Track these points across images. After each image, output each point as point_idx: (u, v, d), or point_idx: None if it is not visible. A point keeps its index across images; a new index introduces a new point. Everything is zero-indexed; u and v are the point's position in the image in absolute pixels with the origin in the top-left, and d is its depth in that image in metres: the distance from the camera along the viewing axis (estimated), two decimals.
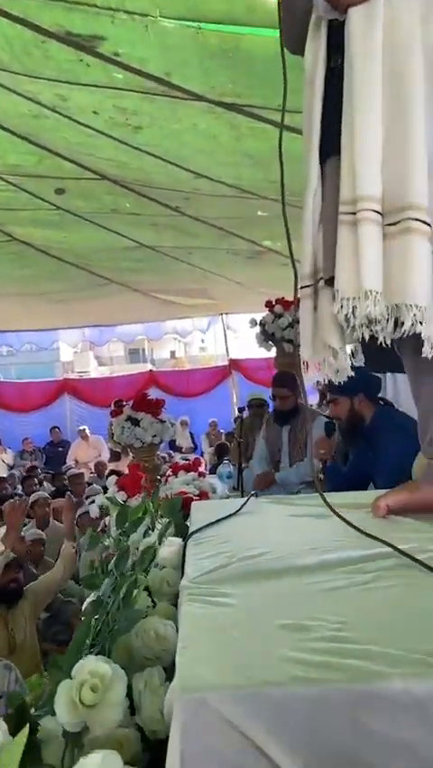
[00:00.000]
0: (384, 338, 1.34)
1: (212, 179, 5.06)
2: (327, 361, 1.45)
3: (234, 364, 11.35)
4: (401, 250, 1.26)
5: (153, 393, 10.03)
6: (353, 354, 1.52)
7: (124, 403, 5.41)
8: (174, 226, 6.37)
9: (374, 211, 1.29)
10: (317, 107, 1.43)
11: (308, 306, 1.47)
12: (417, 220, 1.25)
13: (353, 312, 1.31)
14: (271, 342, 6.01)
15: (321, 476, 3.67)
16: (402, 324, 1.26)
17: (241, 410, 5.82)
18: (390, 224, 1.28)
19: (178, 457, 7.53)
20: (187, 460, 5.73)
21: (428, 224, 1.26)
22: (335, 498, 1.56)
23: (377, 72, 1.30)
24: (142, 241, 6.83)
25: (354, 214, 1.30)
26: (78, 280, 8.08)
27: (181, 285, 8.86)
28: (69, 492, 5.89)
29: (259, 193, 5.24)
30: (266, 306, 6.05)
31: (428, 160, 1.27)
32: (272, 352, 6.14)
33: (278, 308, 5.88)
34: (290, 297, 5.38)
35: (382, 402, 3.31)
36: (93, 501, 4.21)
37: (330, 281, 1.37)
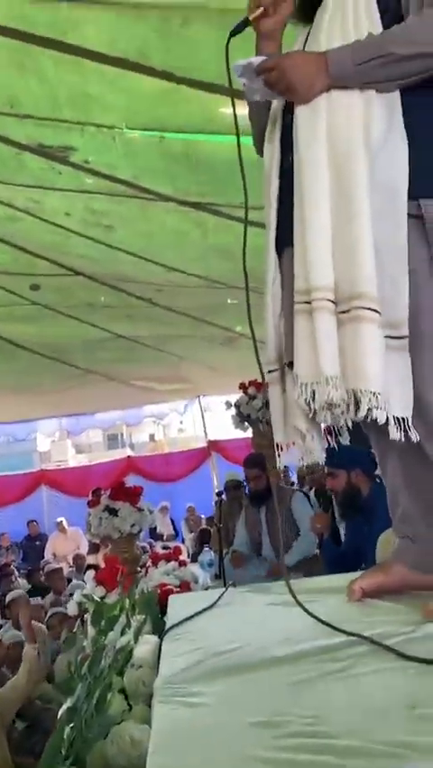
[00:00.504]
0: (345, 421, 1.37)
1: (183, 272, 5.27)
2: (297, 443, 1.48)
3: (213, 445, 11.35)
4: (354, 337, 1.32)
5: (132, 480, 9.96)
6: (339, 433, 1.51)
7: (103, 492, 5.36)
8: (149, 316, 6.55)
9: (328, 300, 1.34)
10: (274, 202, 1.51)
11: (276, 390, 1.52)
12: (366, 308, 1.31)
13: (312, 397, 1.35)
14: (246, 424, 6.08)
15: (318, 551, 3.67)
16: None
17: (219, 494, 5.79)
18: (342, 312, 1.33)
19: (158, 546, 7.37)
20: (167, 548, 5.63)
21: (377, 311, 1.32)
22: (316, 582, 1.57)
23: (323, 171, 1.37)
24: (117, 332, 6.99)
25: (309, 303, 1.35)
26: (54, 372, 8.17)
27: (157, 372, 8.99)
28: (22, 592, 5.69)
29: (228, 282, 5.46)
30: (240, 387, 6.17)
31: (376, 249, 1.34)
32: (249, 432, 6.21)
33: (251, 390, 6.01)
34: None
35: (378, 480, 3.35)
36: (71, 596, 4.09)
37: (292, 365, 1.42)
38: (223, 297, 5.87)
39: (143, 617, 1.69)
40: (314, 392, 1.34)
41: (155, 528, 10.10)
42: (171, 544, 7.62)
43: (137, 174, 3.73)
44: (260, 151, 1.61)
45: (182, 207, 4.10)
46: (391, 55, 1.32)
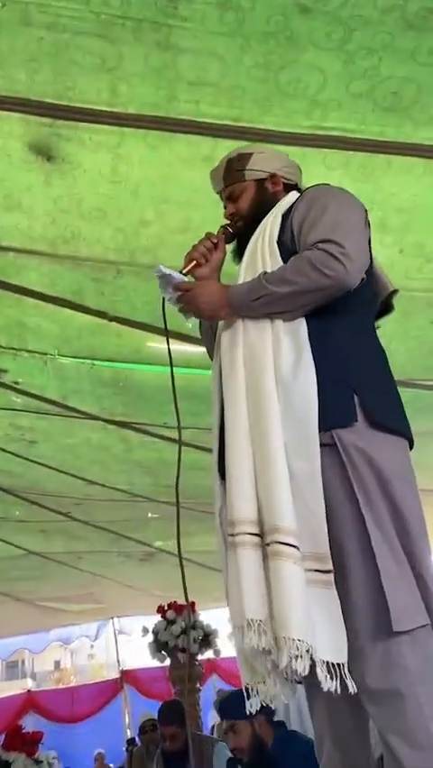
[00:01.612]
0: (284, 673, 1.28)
1: (104, 486, 5.29)
2: (259, 687, 1.40)
3: (127, 676, 10.39)
4: (275, 577, 1.29)
5: (30, 720, 8.80)
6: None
7: None
8: (64, 531, 6.38)
9: (251, 534, 1.34)
10: (216, 431, 1.56)
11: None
12: (283, 543, 1.30)
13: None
14: (164, 653, 5.72)
15: None
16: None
17: (131, 742, 5.20)
18: (267, 544, 1.32)
19: None
20: None
21: (296, 547, 1.29)
22: None
23: (242, 406, 1.45)
24: (29, 548, 6.71)
25: (234, 536, 1.36)
26: None
27: (69, 590, 8.49)
28: None
29: (150, 496, 5.50)
30: (158, 611, 5.90)
31: (297, 483, 1.35)
32: (167, 662, 5.82)
33: (170, 614, 5.76)
34: (181, 601, 5.30)
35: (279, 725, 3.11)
36: None
37: None
38: (144, 510, 5.87)
39: None
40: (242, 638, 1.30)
41: None
42: None
43: (65, 395, 3.92)
44: (212, 359, 1.73)
45: (108, 425, 4.26)
46: (272, 294, 1.47)
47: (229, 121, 2.02)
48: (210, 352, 1.78)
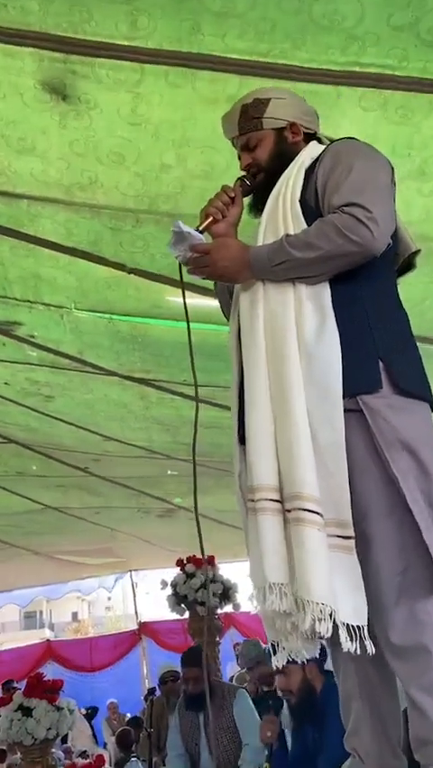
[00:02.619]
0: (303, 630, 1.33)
1: (122, 442, 5.32)
2: (281, 644, 1.46)
3: (145, 628, 10.67)
4: (297, 542, 1.32)
5: (49, 669, 9.10)
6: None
7: (16, 685, 4.86)
8: (81, 486, 6.46)
9: (271, 500, 1.37)
10: (235, 398, 1.56)
11: None
12: (305, 510, 1.32)
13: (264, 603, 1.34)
14: (183, 606, 5.80)
15: (267, 765, 3.33)
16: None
17: (151, 692, 5.36)
18: (288, 510, 1.35)
19: (75, 755, 6.55)
20: (86, 757, 5.05)
21: (318, 513, 1.32)
22: None
23: (263, 371, 1.45)
24: (47, 502, 6.81)
25: (254, 502, 1.38)
26: None
27: (87, 545, 8.66)
28: None
29: (169, 454, 5.52)
30: (177, 564, 5.96)
31: (319, 449, 1.36)
32: (186, 615, 5.91)
33: (189, 567, 5.79)
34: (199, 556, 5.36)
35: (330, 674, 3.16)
36: None
37: None
38: (163, 468, 5.90)
39: None
40: (264, 599, 1.34)
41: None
42: (94, 750, 6.83)
43: (82, 350, 3.88)
44: (227, 317, 1.72)
45: (125, 381, 4.24)
46: (295, 259, 1.44)
47: (257, 57, 1.90)
48: (225, 312, 1.76)
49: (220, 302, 1.80)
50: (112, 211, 2.66)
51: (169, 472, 6.00)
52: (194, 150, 2.26)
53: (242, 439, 1.50)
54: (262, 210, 1.61)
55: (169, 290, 3.08)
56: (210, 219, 1.61)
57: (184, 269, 1.60)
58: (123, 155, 2.30)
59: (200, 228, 1.60)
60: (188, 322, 1.69)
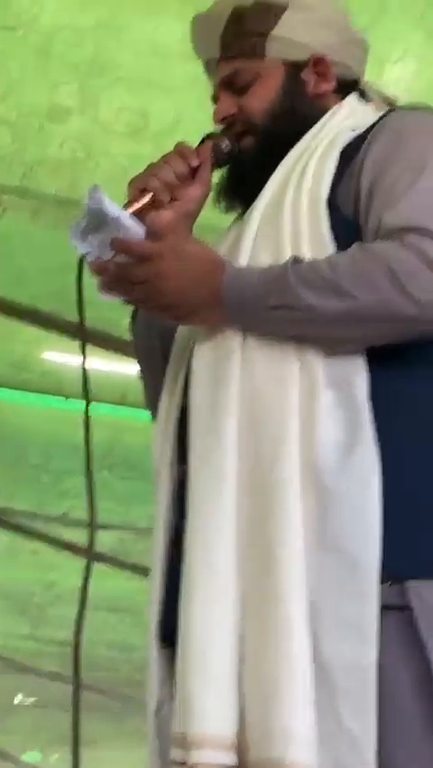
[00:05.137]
0: None
1: None
2: None
3: None
4: None
5: None
6: None
7: None
8: None
9: (222, 765, 0.95)
10: (162, 546, 1.09)
11: None
12: None
13: None
14: None
15: None
16: None
17: None
18: None
19: None
20: None
21: None
22: None
23: (228, 495, 0.98)
24: None
25: (185, 767, 0.94)
26: None
27: None
28: None
29: None
30: None
31: (318, 676, 0.92)
32: None
33: None
34: None
35: None
36: None
37: None
38: None
39: None
40: None
41: None
42: None
43: None
44: (152, 395, 1.25)
45: None
46: (307, 308, 0.99)
47: None
48: (149, 373, 1.26)
49: (139, 352, 1.29)
50: None
51: None
52: None
53: (167, 637, 1.05)
54: (244, 202, 1.17)
55: (47, 338, 2.29)
56: (148, 197, 1.10)
57: (90, 275, 1.04)
58: None
59: (129, 210, 1.08)
60: (86, 393, 1.22)
